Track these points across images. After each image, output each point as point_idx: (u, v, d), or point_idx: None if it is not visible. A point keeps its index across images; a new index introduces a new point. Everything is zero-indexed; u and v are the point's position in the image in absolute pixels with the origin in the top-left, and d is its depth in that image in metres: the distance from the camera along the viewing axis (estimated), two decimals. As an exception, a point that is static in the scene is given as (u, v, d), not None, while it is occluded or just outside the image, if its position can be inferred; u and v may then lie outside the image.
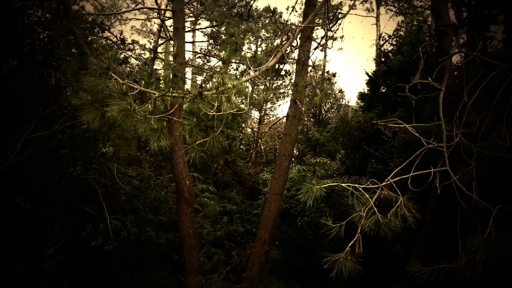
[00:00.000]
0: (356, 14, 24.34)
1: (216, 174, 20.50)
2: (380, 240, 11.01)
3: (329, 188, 10.94)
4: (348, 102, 24.67)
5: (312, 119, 22.28)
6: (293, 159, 17.65)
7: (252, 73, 4.84)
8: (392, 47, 21.07)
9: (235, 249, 14.78)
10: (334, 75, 20.87)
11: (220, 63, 19.52)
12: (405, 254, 10.13)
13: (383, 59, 18.76)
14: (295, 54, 11.42)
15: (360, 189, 3.78)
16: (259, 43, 23.60)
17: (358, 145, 17.16)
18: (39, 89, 7.28)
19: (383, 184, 3.79)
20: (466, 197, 3.73)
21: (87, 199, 8.96)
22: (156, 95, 4.10)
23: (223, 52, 3.59)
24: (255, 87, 21.87)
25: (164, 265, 11.33)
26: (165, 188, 11.90)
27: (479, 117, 4.80)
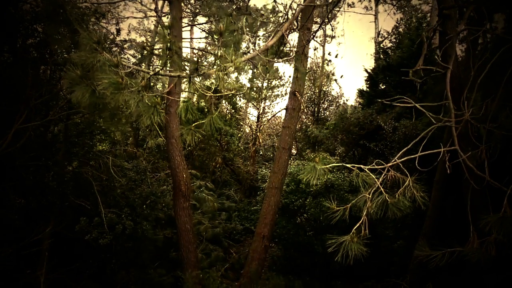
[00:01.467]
0: (354, 12, 24.25)
1: (215, 173, 20.32)
2: (381, 236, 10.88)
3: (329, 183, 10.82)
4: (346, 100, 24.57)
5: (310, 117, 22.13)
6: (292, 156, 17.50)
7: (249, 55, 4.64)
8: (391, 44, 20.99)
9: (234, 247, 14.58)
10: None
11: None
12: (406, 249, 9.96)
13: (382, 56, 18.64)
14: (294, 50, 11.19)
15: (366, 169, 3.58)
16: (257, 41, 23.53)
17: (357, 142, 16.99)
18: (32, 79, 7.07)
19: (389, 164, 3.60)
20: (477, 178, 3.55)
21: (82, 194, 8.75)
22: (150, 73, 3.91)
23: (220, 24, 3.39)
24: (253, 84, 21.72)
25: (162, 262, 11.11)
26: (162, 185, 11.66)
27: (487, 101, 4.64)
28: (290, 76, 21.38)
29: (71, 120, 8.46)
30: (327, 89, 22.02)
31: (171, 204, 10.92)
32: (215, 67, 3.72)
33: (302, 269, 10.88)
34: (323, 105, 22.14)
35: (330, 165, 3.83)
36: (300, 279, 9.85)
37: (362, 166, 3.64)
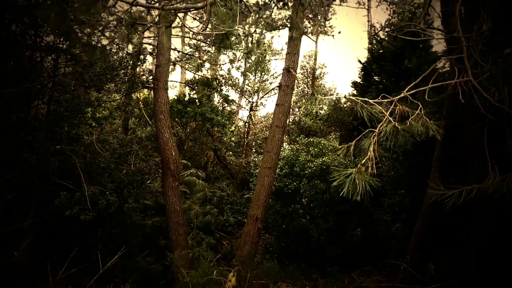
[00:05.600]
0: (347, 5, 24.01)
1: (206, 168, 19.94)
2: (377, 221, 10.51)
3: (325, 165, 10.46)
4: (339, 99, 24.37)
5: (304, 110, 21.86)
6: (285, 145, 17.14)
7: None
8: (384, 36, 20.78)
9: (226, 239, 14.19)
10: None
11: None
12: (405, 232, 9.63)
13: (375, 47, 18.44)
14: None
15: (371, 102, 3.22)
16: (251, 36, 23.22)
17: (351, 133, 16.68)
18: (7, 43, 6.60)
19: (397, 98, 3.24)
20: (495, 110, 3.21)
21: (65, 173, 8.26)
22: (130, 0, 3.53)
23: None
24: (246, 78, 21.46)
25: (151, 250, 10.63)
26: (152, 172, 11.12)
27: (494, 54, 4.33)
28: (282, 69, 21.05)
29: (55, 91, 7.94)
30: (320, 82, 21.80)
31: (160, 190, 10.47)
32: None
33: (297, 256, 10.49)
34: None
35: (330, 97, 3.44)
36: (295, 264, 9.45)
37: (367, 99, 3.26)
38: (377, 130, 3.10)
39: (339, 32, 17.79)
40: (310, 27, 16.07)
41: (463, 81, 3.26)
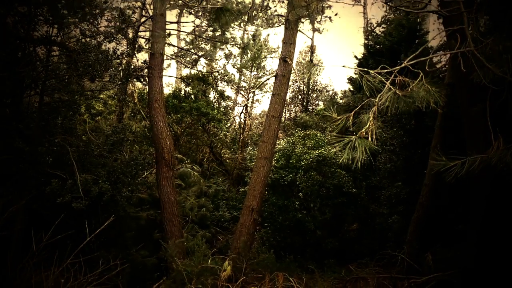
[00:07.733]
0: (343, 2, 24.06)
1: (202, 165, 19.83)
2: (374, 214, 10.42)
3: (321, 157, 10.38)
4: (335, 94, 24.40)
5: (300, 106, 21.81)
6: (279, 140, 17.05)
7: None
8: (380, 32, 20.78)
9: (221, 234, 14.06)
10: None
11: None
12: (401, 224, 9.56)
13: (371, 43, 18.42)
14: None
15: (372, 72, 3.12)
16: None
17: (347, 129, 16.58)
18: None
19: (397, 68, 3.15)
20: (495, 83, 3.13)
21: (57, 164, 8.10)
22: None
23: None
24: (242, 74, 21.40)
25: (145, 243, 10.49)
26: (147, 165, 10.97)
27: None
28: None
29: (48, 79, 7.78)
30: (316, 78, 21.76)
31: (155, 184, 10.33)
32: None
33: (293, 249, 10.39)
34: (312, 94, 21.82)
35: (328, 66, 3.35)
36: (291, 256, 9.35)
37: (366, 69, 3.17)
38: (377, 99, 3.01)
39: (336, 14, 17.66)
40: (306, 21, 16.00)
41: (465, 51, 3.17)
